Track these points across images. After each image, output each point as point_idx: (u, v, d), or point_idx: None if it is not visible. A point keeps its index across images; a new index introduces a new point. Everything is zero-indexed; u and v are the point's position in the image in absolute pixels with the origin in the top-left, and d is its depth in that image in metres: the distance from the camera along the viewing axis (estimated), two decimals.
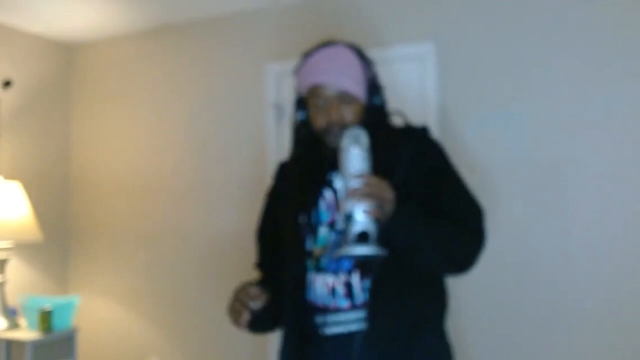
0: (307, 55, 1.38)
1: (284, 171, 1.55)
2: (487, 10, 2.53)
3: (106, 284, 3.40)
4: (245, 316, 1.26)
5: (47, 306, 2.76)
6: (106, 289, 3.40)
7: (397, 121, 1.43)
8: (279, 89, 2.96)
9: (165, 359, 3.20)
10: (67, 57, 3.59)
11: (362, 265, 1.27)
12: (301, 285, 1.33)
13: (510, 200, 2.43)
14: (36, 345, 2.70)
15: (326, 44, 1.38)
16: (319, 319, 1.31)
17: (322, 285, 1.31)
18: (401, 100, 2.68)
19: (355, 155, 1.19)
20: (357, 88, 1.31)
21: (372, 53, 2.69)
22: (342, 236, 1.19)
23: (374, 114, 1.36)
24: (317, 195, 1.36)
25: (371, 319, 1.24)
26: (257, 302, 1.27)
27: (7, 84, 3.17)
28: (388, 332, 1.24)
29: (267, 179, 2.95)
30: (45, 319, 2.72)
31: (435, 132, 2.55)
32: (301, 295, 1.33)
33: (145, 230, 3.30)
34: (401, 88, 2.68)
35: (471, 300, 2.47)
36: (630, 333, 2.21)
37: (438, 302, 1.37)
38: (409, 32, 2.67)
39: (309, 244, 1.34)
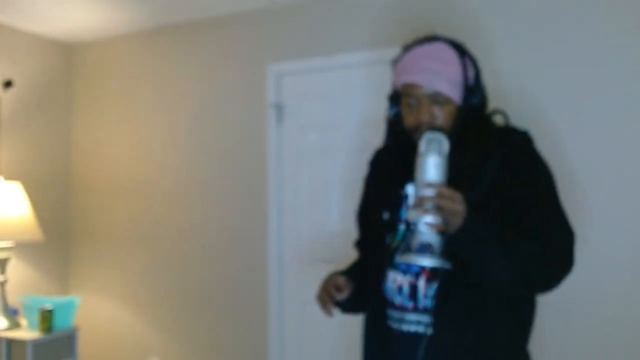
0: (407, 49, 1.35)
1: (378, 159, 1.55)
2: (487, 11, 2.53)
3: (106, 283, 3.41)
4: (330, 307, 1.37)
5: (48, 306, 2.77)
6: (106, 289, 3.40)
7: (498, 121, 1.38)
8: (279, 89, 2.97)
9: (165, 359, 3.20)
10: (67, 57, 3.60)
11: (431, 270, 1.27)
12: (379, 278, 1.36)
13: None
14: (37, 345, 2.70)
15: (427, 38, 1.34)
16: (388, 312, 1.34)
17: (392, 281, 1.33)
18: None
19: (429, 162, 1.15)
20: (451, 89, 1.27)
21: (372, 53, 2.72)
22: (406, 243, 1.20)
23: (469, 115, 1.30)
24: (401, 192, 1.35)
25: (436, 325, 1.25)
26: (342, 294, 1.35)
27: (7, 84, 3.17)
28: (452, 341, 1.24)
29: (267, 179, 2.98)
30: (46, 319, 2.73)
31: None
32: (379, 287, 1.36)
33: (146, 230, 3.30)
34: None
35: None
36: (630, 333, 2.22)
37: (515, 318, 1.31)
38: (408, 32, 2.67)
39: (389, 239, 1.35)
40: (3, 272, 2.85)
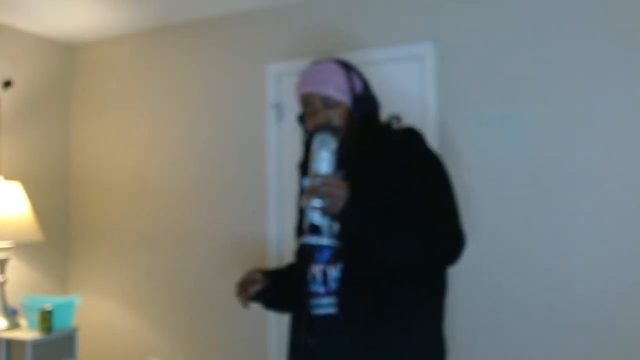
0: (302, 72, 1.59)
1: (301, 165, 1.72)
2: (487, 11, 2.53)
3: (106, 283, 3.41)
4: (242, 298, 1.53)
5: (48, 306, 2.76)
6: (106, 289, 3.40)
7: (394, 124, 1.56)
8: (279, 89, 2.97)
9: (165, 359, 3.20)
10: (67, 57, 3.60)
11: (334, 255, 1.45)
12: (305, 272, 1.52)
13: (510, 200, 2.43)
14: (36, 345, 2.70)
15: (316, 61, 1.59)
16: (311, 302, 1.49)
17: (311, 272, 1.50)
18: (401, 100, 2.69)
19: (319, 157, 1.36)
20: (339, 93, 1.49)
21: (372, 53, 2.72)
22: (302, 227, 1.37)
23: (364, 117, 1.51)
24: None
25: (340, 305, 1.41)
26: (255, 287, 1.52)
27: (7, 84, 3.17)
28: (355, 319, 1.39)
29: (267, 179, 2.98)
30: (46, 319, 2.73)
31: (435, 132, 2.56)
32: (305, 281, 1.52)
33: (146, 230, 3.30)
34: (401, 88, 2.68)
35: (471, 299, 2.47)
36: (630, 331, 2.21)
37: (424, 294, 1.45)
38: (408, 32, 2.68)
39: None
40: (3, 272, 2.85)
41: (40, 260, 3.33)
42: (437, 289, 1.49)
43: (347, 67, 1.56)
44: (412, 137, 1.51)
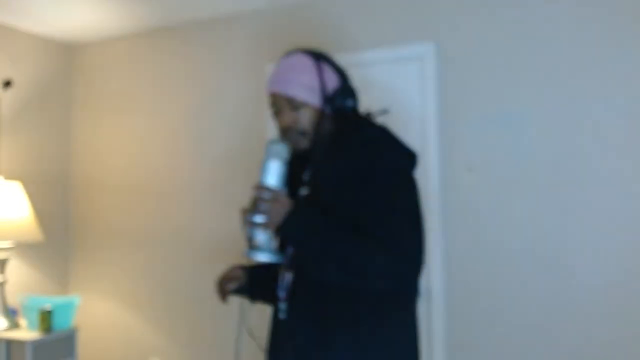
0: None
1: None
2: (487, 11, 2.53)
3: (106, 284, 3.41)
4: (221, 294, 1.53)
5: (48, 306, 2.76)
6: (106, 289, 3.40)
7: (369, 123, 1.44)
8: None
9: (165, 359, 3.20)
10: (67, 57, 3.60)
11: (289, 263, 1.39)
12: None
13: (512, 200, 2.43)
14: (36, 345, 2.70)
15: (287, 53, 1.47)
16: (276, 304, 1.46)
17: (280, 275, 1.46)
18: (401, 101, 2.70)
19: (267, 168, 1.30)
20: (306, 94, 1.36)
21: (372, 53, 2.72)
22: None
23: (337, 116, 1.39)
24: (295, 195, 1.42)
25: (288, 312, 1.37)
26: (232, 284, 1.52)
27: (7, 84, 3.17)
28: (299, 327, 1.33)
29: None
30: (46, 319, 2.73)
31: (435, 132, 2.56)
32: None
33: (146, 230, 3.30)
34: (401, 88, 2.68)
35: (471, 299, 2.47)
36: (631, 332, 2.21)
37: (379, 307, 1.29)
38: (408, 32, 2.68)
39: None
40: (3, 272, 2.85)
41: (40, 261, 3.34)
42: (398, 302, 1.32)
43: (320, 61, 1.41)
44: (376, 143, 1.33)
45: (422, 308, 2.56)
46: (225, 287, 1.54)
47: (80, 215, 3.53)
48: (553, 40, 2.40)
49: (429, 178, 2.56)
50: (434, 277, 2.54)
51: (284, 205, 1.26)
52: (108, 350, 3.37)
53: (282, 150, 1.32)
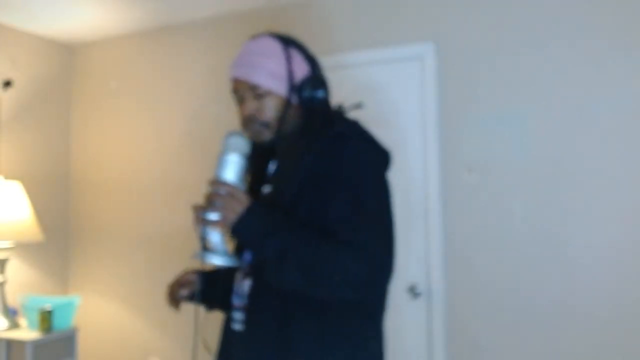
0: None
1: None
2: (487, 11, 2.53)
3: (106, 284, 3.41)
4: (171, 301, 1.42)
5: (47, 306, 2.76)
6: (106, 289, 3.40)
7: (340, 116, 1.34)
8: None
9: (165, 359, 3.20)
10: (67, 57, 3.60)
11: (248, 269, 1.26)
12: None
13: (510, 200, 2.43)
14: (36, 345, 2.70)
15: (254, 36, 1.33)
16: (231, 314, 1.33)
17: (235, 282, 1.33)
18: (401, 101, 2.70)
19: (225, 161, 1.18)
20: (272, 82, 1.23)
21: (372, 53, 2.72)
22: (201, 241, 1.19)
23: (305, 108, 1.26)
24: (257, 193, 1.32)
25: (247, 322, 1.23)
26: (185, 290, 1.40)
27: (7, 84, 3.17)
28: (258, 337, 1.21)
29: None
30: (46, 319, 2.73)
31: (435, 132, 2.56)
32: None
33: (146, 230, 3.30)
34: (401, 88, 2.68)
35: (471, 298, 2.47)
36: (631, 332, 2.21)
37: (342, 316, 1.19)
38: (409, 32, 2.68)
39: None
40: (3, 272, 2.85)
41: (40, 261, 3.34)
42: (360, 311, 1.21)
43: (290, 46, 1.28)
44: (346, 139, 1.20)
45: (422, 309, 2.56)
46: (176, 294, 1.41)
47: (80, 215, 3.53)
48: (552, 40, 2.40)
49: (429, 178, 2.57)
50: (434, 277, 2.54)
51: (241, 202, 1.13)
52: (108, 350, 3.37)
53: (242, 143, 1.19)
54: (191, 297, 1.41)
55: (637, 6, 2.27)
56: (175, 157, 3.25)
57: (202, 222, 1.15)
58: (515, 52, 2.46)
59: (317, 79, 1.28)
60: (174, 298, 1.42)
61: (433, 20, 2.63)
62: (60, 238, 3.48)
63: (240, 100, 1.28)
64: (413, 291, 2.57)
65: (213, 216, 1.13)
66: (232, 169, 1.17)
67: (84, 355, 3.18)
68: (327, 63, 2.79)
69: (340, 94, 2.81)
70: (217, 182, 1.16)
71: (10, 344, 2.75)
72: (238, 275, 1.30)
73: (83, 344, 3.12)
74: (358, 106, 1.34)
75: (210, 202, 1.14)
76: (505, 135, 2.46)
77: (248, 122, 1.26)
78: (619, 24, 2.30)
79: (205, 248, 1.16)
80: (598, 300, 2.27)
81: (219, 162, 1.18)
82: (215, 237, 1.15)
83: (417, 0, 2.67)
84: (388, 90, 2.71)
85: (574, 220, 2.33)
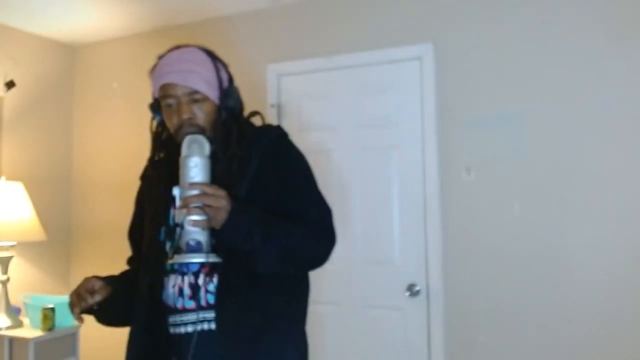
0: (161, 57, 1.43)
1: (148, 173, 1.60)
2: (486, 12, 2.54)
3: None
4: (77, 309, 1.33)
5: (50, 305, 2.78)
6: None
7: (257, 122, 1.47)
8: (279, 89, 2.98)
9: None
10: (69, 57, 3.61)
11: (210, 266, 1.28)
12: (157, 286, 1.34)
13: (510, 200, 2.44)
14: (39, 344, 2.72)
15: (178, 46, 1.43)
16: (169, 319, 1.32)
17: (173, 286, 1.32)
18: (400, 101, 2.71)
19: (191, 163, 1.20)
20: (207, 88, 1.32)
21: (371, 53, 2.73)
22: (177, 244, 1.20)
23: (229, 115, 1.37)
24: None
25: (219, 319, 1.27)
26: (95, 297, 1.33)
27: (10, 84, 3.18)
28: (234, 333, 1.26)
29: None
30: (48, 318, 2.74)
31: (435, 132, 2.58)
32: (157, 296, 1.33)
33: None
34: (400, 89, 2.69)
35: (470, 298, 2.48)
36: (630, 330, 2.22)
37: (293, 302, 1.39)
38: (408, 33, 2.69)
39: (168, 247, 1.29)
40: (5, 271, 2.87)
41: (43, 259, 3.35)
42: (304, 295, 1.43)
43: (214, 58, 1.41)
44: (280, 138, 1.42)
45: (421, 308, 2.57)
46: (84, 303, 1.33)
47: (82, 215, 3.54)
48: (552, 40, 2.41)
49: (427, 178, 2.58)
50: (433, 277, 2.55)
51: (226, 199, 1.18)
52: (109, 349, 3.37)
53: (205, 145, 1.24)
54: (100, 307, 1.36)
55: (637, 6, 2.27)
56: None
57: (186, 224, 1.16)
58: (514, 53, 2.47)
59: (236, 91, 1.41)
60: (78, 308, 1.34)
61: (432, 21, 2.65)
62: (62, 238, 3.50)
63: (175, 105, 1.34)
64: (412, 290, 2.59)
65: (200, 217, 1.16)
66: (202, 171, 1.21)
67: (86, 353, 3.20)
68: (326, 64, 2.85)
69: (340, 95, 2.84)
70: (195, 184, 1.18)
71: (12, 342, 2.76)
72: (176, 278, 1.31)
73: (85, 342, 3.14)
74: (261, 117, 1.48)
75: (194, 204, 1.16)
76: (504, 135, 2.47)
77: (185, 126, 1.31)
78: (618, 24, 2.30)
79: (188, 249, 1.18)
80: (597, 299, 2.27)
81: (187, 166, 1.21)
82: (201, 236, 1.18)
83: (416, 1, 2.68)
84: (387, 91, 2.72)
85: (573, 220, 2.34)
